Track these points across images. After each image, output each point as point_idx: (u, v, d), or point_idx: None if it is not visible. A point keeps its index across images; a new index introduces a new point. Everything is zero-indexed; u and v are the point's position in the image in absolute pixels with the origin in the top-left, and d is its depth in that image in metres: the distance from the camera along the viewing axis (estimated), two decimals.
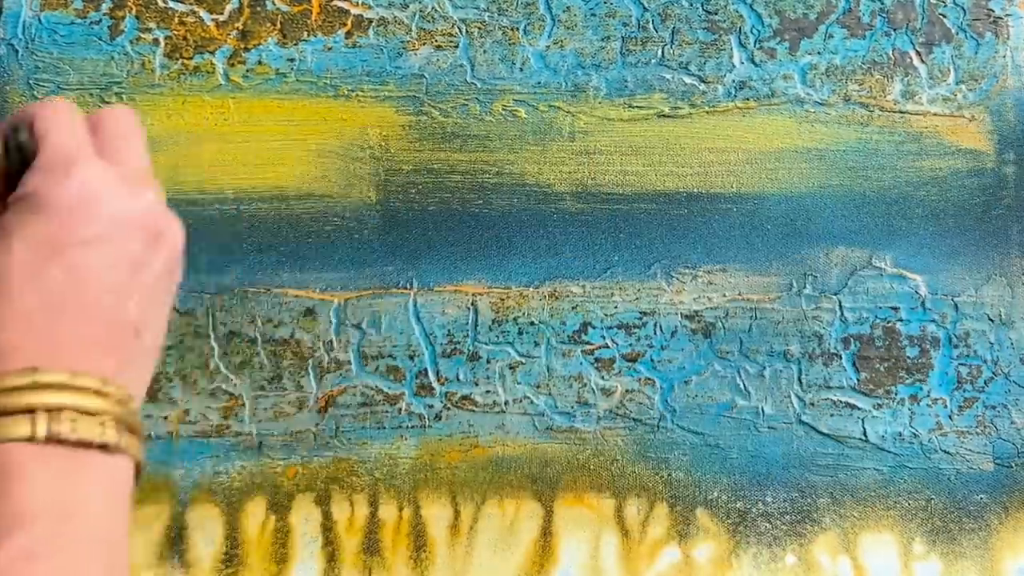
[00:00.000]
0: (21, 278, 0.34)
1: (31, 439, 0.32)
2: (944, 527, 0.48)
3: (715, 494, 0.48)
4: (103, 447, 0.33)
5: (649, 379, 0.48)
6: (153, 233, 0.36)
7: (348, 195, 0.49)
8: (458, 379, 0.48)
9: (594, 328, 0.49)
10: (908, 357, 0.48)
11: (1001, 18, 0.49)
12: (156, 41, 0.49)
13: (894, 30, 0.50)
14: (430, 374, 0.48)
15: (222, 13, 0.49)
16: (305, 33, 0.49)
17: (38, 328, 0.34)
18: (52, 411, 0.33)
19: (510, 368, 0.48)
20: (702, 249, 0.49)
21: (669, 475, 0.48)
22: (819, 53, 0.50)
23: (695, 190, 0.49)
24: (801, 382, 0.48)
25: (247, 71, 0.49)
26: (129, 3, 0.49)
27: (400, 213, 0.49)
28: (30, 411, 0.32)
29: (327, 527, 0.48)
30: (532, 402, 0.48)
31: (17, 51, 0.49)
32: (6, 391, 0.33)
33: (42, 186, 0.34)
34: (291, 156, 0.49)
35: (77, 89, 0.49)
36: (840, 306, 0.49)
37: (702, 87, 0.50)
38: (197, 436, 0.48)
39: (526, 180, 0.49)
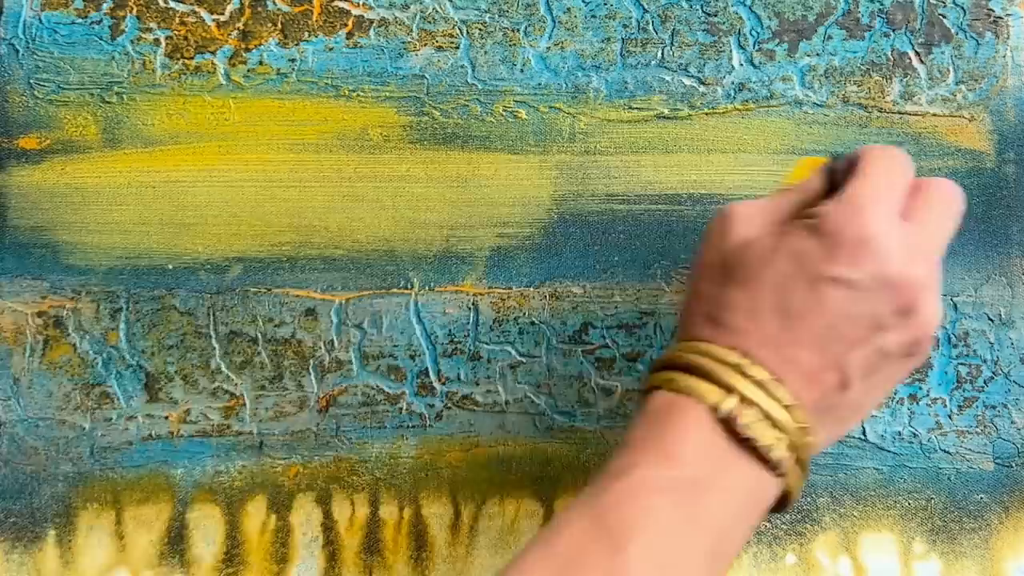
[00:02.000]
0: (774, 279, 0.36)
1: (713, 408, 0.34)
2: (944, 527, 0.48)
3: None
4: (764, 460, 0.34)
5: None
6: (907, 306, 0.35)
7: None
8: (459, 379, 0.48)
9: (595, 328, 0.49)
10: None
11: (1001, 18, 0.50)
12: (157, 41, 0.49)
13: (893, 31, 0.50)
14: (431, 374, 0.48)
15: (223, 13, 0.50)
16: (306, 33, 0.49)
17: (765, 329, 0.35)
18: (741, 399, 0.34)
19: (511, 368, 0.48)
20: None
21: None
22: (818, 55, 0.50)
23: (695, 191, 0.49)
24: None
25: (248, 71, 0.49)
26: (130, 3, 0.49)
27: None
28: (721, 385, 0.35)
29: (328, 527, 0.48)
30: (533, 402, 0.48)
31: (17, 51, 0.49)
32: (716, 360, 0.35)
33: (831, 213, 0.35)
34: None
35: (77, 89, 0.49)
36: None
37: (701, 89, 0.50)
38: (198, 436, 0.48)
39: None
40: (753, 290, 0.36)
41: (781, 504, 0.36)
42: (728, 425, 0.34)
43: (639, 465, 0.34)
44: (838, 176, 0.38)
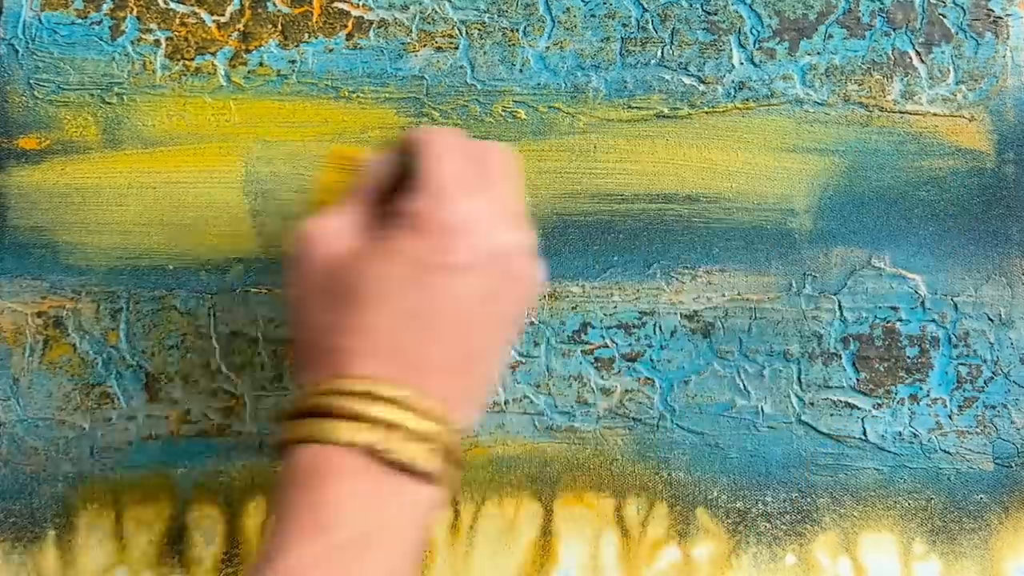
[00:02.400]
0: (388, 290, 0.35)
1: (350, 446, 0.33)
2: (944, 527, 0.48)
3: (715, 494, 0.48)
4: (422, 475, 0.34)
5: (649, 379, 0.48)
6: (514, 273, 0.36)
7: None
8: None
9: (594, 328, 0.49)
10: (908, 357, 0.48)
11: (1001, 18, 0.49)
12: (157, 42, 0.49)
13: (894, 30, 0.50)
14: None
15: (223, 14, 0.50)
16: (306, 35, 0.50)
17: (387, 342, 0.34)
18: (383, 425, 0.33)
19: (510, 368, 0.48)
20: (701, 249, 0.49)
21: (669, 475, 0.48)
22: (819, 53, 0.50)
23: (694, 190, 0.49)
24: (801, 382, 0.48)
25: (248, 72, 0.49)
26: (130, 4, 0.49)
27: None
28: (357, 419, 0.33)
29: None
30: (532, 402, 0.48)
31: (17, 51, 0.49)
32: (342, 394, 0.33)
33: (426, 208, 0.35)
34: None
35: (77, 89, 0.49)
36: (840, 306, 0.49)
37: (701, 88, 0.50)
38: (198, 436, 0.48)
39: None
40: (370, 307, 0.35)
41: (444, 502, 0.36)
42: (380, 457, 0.33)
43: (293, 543, 0.32)
44: (397, 164, 0.38)
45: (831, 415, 0.48)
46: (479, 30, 0.50)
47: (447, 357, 0.35)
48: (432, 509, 0.35)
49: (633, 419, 0.48)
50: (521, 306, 0.38)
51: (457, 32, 0.50)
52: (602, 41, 0.50)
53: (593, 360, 0.49)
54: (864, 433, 0.48)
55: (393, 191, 0.38)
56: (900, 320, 0.49)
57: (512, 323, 0.38)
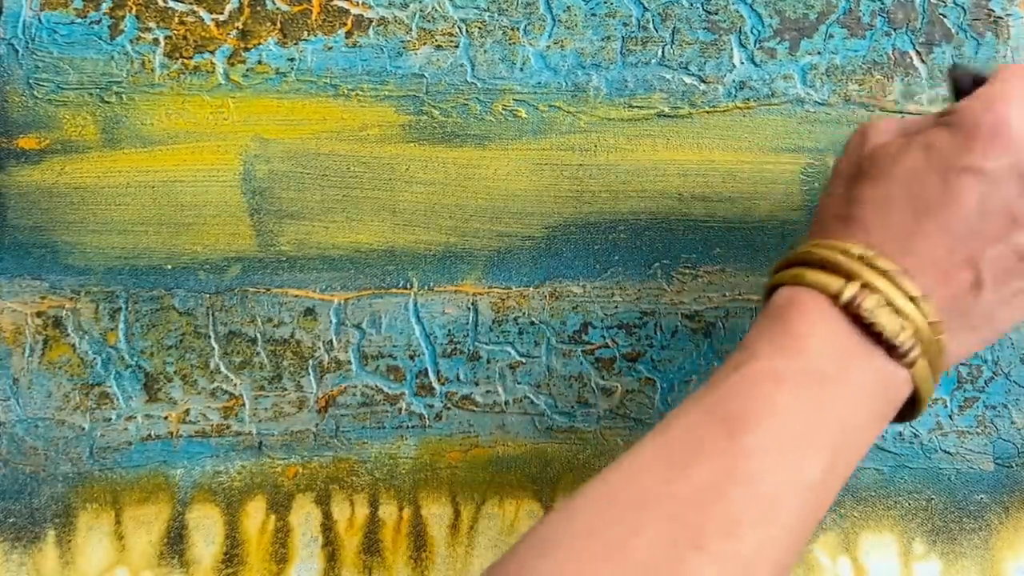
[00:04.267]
0: (904, 173, 0.35)
1: (835, 298, 0.33)
2: (944, 527, 0.48)
3: None
4: (892, 349, 0.33)
5: (650, 379, 0.48)
6: None
7: None
8: (458, 379, 0.48)
9: (594, 328, 0.49)
10: None
11: (1001, 18, 0.49)
12: (156, 41, 0.49)
13: (894, 30, 0.50)
14: (430, 374, 0.48)
15: (222, 13, 0.49)
16: (305, 33, 0.49)
17: (892, 219, 0.35)
18: (869, 289, 0.33)
19: (510, 368, 0.48)
20: (702, 249, 0.49)
21: None
22: (819, 53, 0.50)
23: (695, 190, 0.49)
24: None
25: (247, 70, 0.49)
26: (129, 3, 0.49)
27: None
28: (852, 279, 0.34)
29: (327, 527, 0.48)
30: (532, 402, 0.48)
31: (17, 51, 0.49)
32: (842, 252, 0.34)
33: (967, 107, 0.35)
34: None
35: (77, 89, 0.49)
36: None
37: (702, 87, 0.50)
38: (197, 436, 0.48)
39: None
40: (883, 185, 0.35)
41: (911, 409, 0.35)
42: (853, 314, 0.33)
43: (758, 357, 0.33)
44: (965, 89, 0.38)
45: None
46: (479, 28, 0.50)
47: (942, 259, 0.34)
48: (895, 396, 0.34)
49: (634, 419, 0.48)
50: None
51: (457, 30, 0.50)
52: (603, 40, 0.50)
53: (594, 360, 0.49)
54: None
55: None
56: None
57: None
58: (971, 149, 0.34)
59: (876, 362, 0.34)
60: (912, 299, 0.33)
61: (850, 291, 0.33)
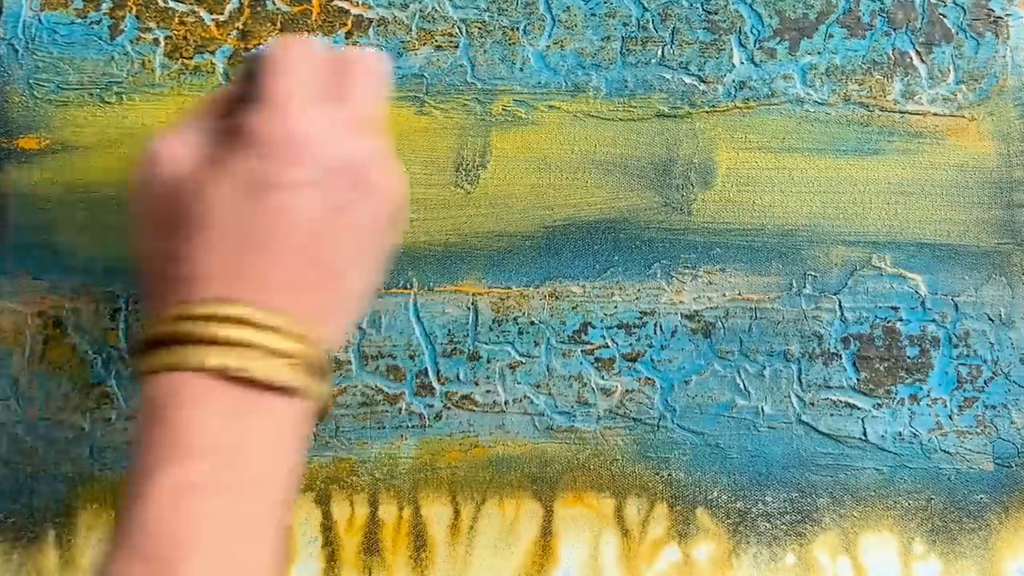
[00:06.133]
0: (222, 212, 0.34)
1: (202, 370, 0.32)
2: (944, 527, 0.48)
3: (715, 494, 0.48)
4: (283, 390, 0.33)
5: (649, 379, 0.48)
6: (363, 181, 0.35)
7: None
8: (458, 379, 0.48)
9: (594, 328, 0.49)
10: (908, 357, 0.49)
11: (1001, 18, 0.49)
12: (156, 41, 0.49)
13: (894, 30, 0.50)
14: (430, 374, 0.48)
15: (222, 13, 0.49)
16: (305, 33, 0.49)
17: (230, 262, 0.34)
18: (232, 345, 0.32)
19: (510, 368, 0.48)
20: (702, 249, 0.49)
21: (669, 475, 0.48)
22: (819, 53, 0.50)
23: (695, 190, 0.49)
24: (801, 382, 0.48)
25: None
26: (129, 3, 0.49)
27: None
28: (210, 343, 0.32)
29: (327, 527, 0.48)
30: (532, 402, 0.48)
31: (17, 51, 0.49)
32: (188, 319, 0.33)
33: (257, 122, 0.34)
34: None
35: (77, 89, 0.49)
36: (840, 306, 0.49)
37: (702, 87, 0.50)
38: None
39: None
40: (202, 230, 0.34)
41: (320, 415, 0.36)
42: (230, 378, 0.32)
43: (155, 472, 0.31)
44: (254, 74, 0.37)
45: (831, 415, 0.48)
46: (479, 29, 0.50)
47: (295, 274, 0.34)
48: (302, 423, 0.34)
49: (633, 419, 0.48)
50: (380, 216, 0.36)
51: (457, 31, 0.50)
52: (603, 40, 0.50)
53: (593, 360, 0.49)
54: (864, 433, 0.48)
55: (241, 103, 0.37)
56: (900, 320, 0.49)
57: (373, 234, 0.36)
58: (277, 166, 0.34)
59: (277, 410, 0.33)
60: (284, 332, 0.33)
61: (213, 361, 0.32)
